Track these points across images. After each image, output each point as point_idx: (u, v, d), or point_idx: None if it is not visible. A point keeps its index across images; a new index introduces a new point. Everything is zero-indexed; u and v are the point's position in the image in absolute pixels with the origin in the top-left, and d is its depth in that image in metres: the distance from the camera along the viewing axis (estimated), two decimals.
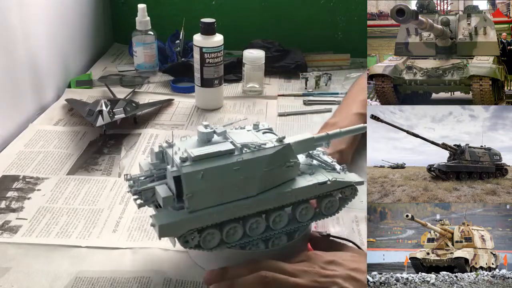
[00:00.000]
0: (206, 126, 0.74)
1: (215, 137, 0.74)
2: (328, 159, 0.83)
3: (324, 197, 0.80)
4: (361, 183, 0.81)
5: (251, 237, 0.76)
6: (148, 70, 1.54)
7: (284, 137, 0.76)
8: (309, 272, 0.71)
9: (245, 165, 0.71)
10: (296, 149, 0.78)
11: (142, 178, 0.72)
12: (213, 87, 1.34)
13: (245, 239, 0.76)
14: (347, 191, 0.81)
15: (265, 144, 0.73)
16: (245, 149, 0.72)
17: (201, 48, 1.29)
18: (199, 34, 1.29)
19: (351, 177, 0.81)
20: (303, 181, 0.77)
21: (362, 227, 0.91)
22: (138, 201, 0.72)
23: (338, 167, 0.82)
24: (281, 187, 0.76)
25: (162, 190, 0.69)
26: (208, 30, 1.28)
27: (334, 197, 0.81)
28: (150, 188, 0.71)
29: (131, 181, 0.72)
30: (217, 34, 1.30)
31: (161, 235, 0.69)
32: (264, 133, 0.79)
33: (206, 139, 0.73)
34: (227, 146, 0.71)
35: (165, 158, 0.74)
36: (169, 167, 0.69)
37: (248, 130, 0.79)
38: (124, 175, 0.73)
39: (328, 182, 0.78)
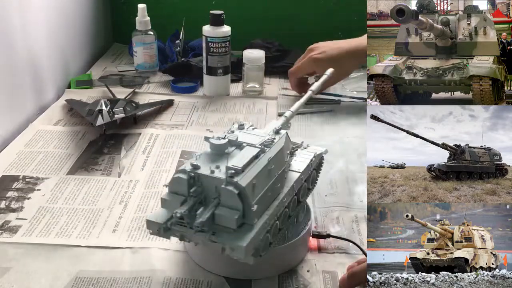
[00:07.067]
0: (218, 138, 0.71)
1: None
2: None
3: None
4: (326, 151, 0.87)
5: (281, 229, 0.76)
6: (148, 70, 1.54)
7: (280, 128, 0.78)
8: None
9: (275, 162, 0.71)
10: None
11: (188, 211, 0.66)
12: (217, 76, 1.39)
13: (279, 233, 0.76)
14: (318, 163, 0.86)
15: (274, 139, 0.75)
16: (266, 148, 0.72)
17: (206, 37, 1.35)
18: (208, 25, 1.36)
19: (317, 148, 0.86)
20: (299, 163, 0.80)
21: (362, 227, 0.91)
22: (204, 235, 0.66)
23: (299, 143, 0.86)
24: (292, 173, 0.78)
25: (227, 212, 0.66)
26: (214, 21, 1.34)
27: (312, 170, 0.84)
28: (211, 216, 0.66)
29: (178, 218, 0.66)
30: (224, 26, 1.36)
31: (248, 255, 0.66)
32: (253, 129, 0.80)
33: (221, 150, 0.71)
34: (253, 150, 0.71)
35: (198, 182, 0.68)
36: (223, 186, 0.65)
37: (240, 132, 0.78)
38: (173, 213, 0.66)
39: (313, 158, 0.82)
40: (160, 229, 0.68)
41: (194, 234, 0.66)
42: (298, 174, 0.78)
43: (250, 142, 0.73)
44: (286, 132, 0.78)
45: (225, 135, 0.73)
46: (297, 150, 0.83)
